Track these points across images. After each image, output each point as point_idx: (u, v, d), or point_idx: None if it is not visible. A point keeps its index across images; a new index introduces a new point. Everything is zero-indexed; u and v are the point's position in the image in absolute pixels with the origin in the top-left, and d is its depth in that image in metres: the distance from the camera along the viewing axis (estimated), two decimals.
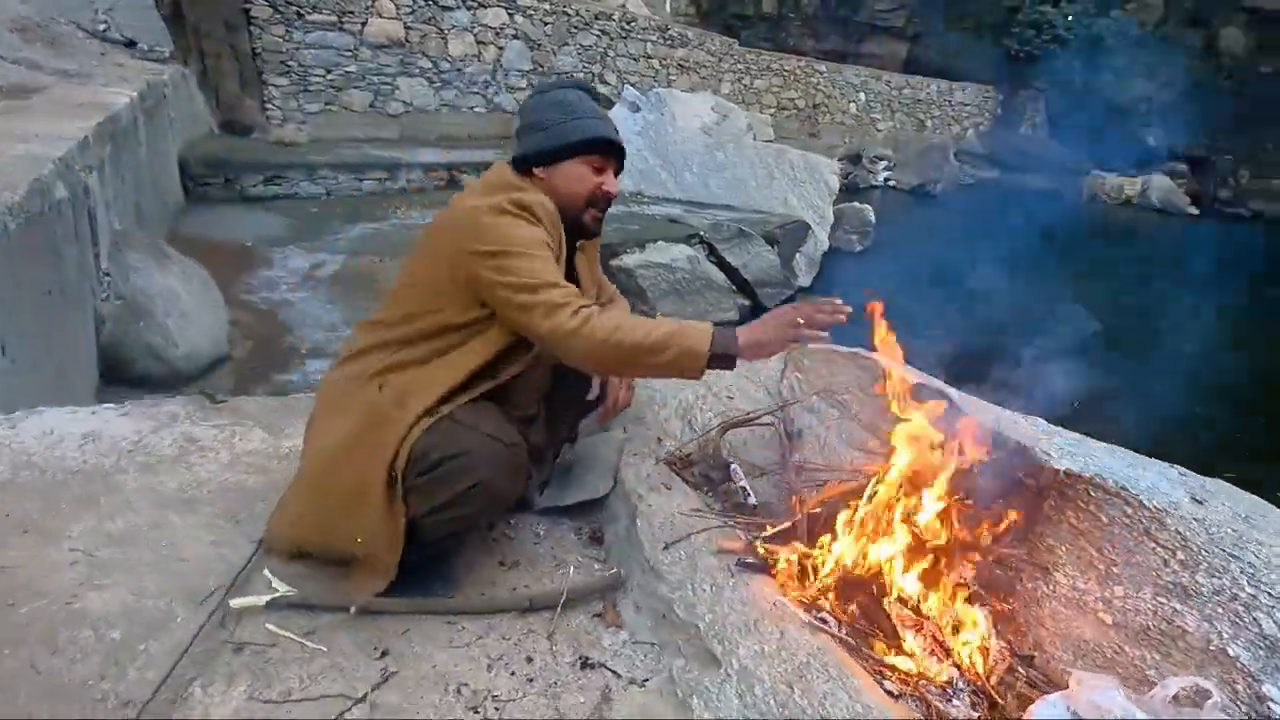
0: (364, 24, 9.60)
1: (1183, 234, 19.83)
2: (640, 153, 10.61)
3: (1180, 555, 1.50)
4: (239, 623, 1.53)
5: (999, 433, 1.74)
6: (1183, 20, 22.81)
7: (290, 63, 9.24)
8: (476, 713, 1.40)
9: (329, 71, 9.50)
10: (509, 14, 11.12)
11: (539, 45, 11.68)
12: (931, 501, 1.63)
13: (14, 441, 2.01)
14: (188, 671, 1.41)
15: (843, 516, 1.70)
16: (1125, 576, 1.55)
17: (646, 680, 1.52)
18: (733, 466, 2.01)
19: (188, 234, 6.44)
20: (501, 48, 11.18)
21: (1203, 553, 1.48)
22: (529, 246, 1.52)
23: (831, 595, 1.61)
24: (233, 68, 8.78)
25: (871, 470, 1.78)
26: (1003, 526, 1.66)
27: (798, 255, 9.11)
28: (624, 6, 14.62)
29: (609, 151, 1.71)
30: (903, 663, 1.49)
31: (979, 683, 1.49)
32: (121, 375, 3.96)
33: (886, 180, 19.27)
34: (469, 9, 10.57)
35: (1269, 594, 1.41)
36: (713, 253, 7.76)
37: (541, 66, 11.79)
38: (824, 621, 1.52)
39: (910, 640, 1.53)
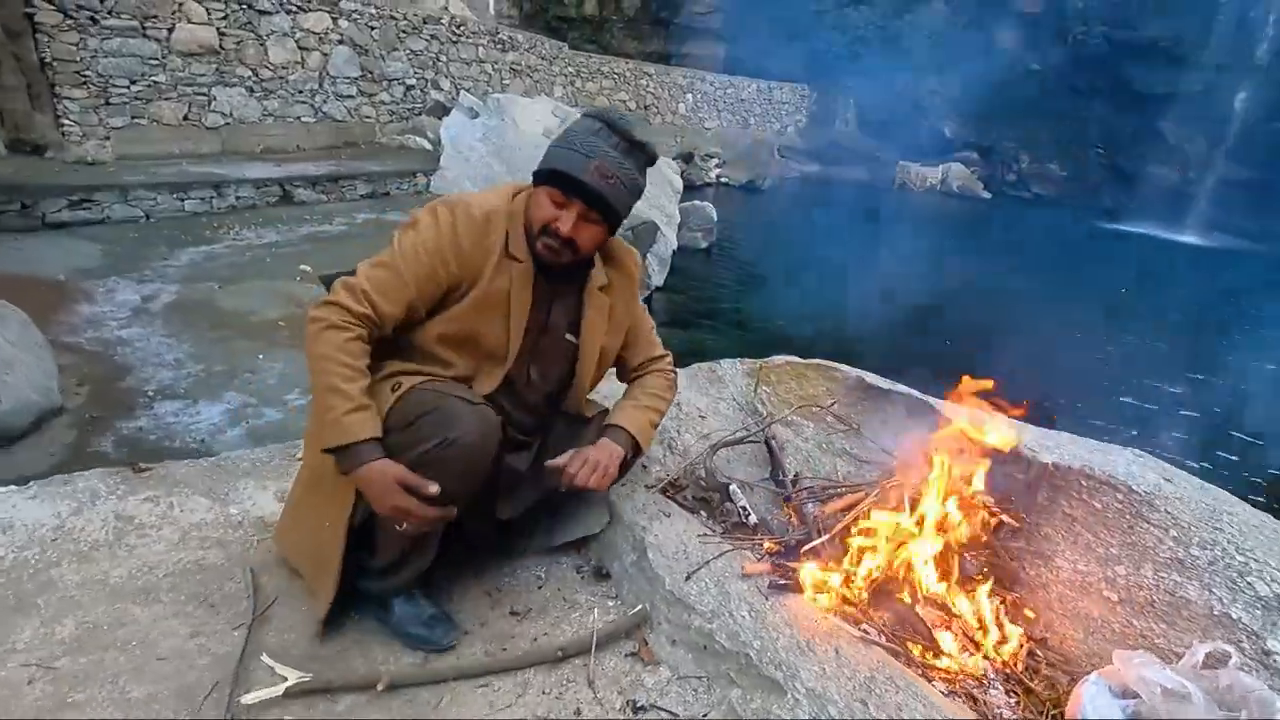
0: (171, 30, 8.83)
1: (974, 215, 22.18)
2: (484, 159, 10.46)
3: (1173, 533, 1.66)
4: None
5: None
6: (965, 23, 25.27)
7: (87, 73, 8.34)
8: None
9: (134, 82, 8.66)
10: (333, 19, 10.60)
11: (367, 51, 11.22)
12: (955, 504, 1.74)
13: None
14: None
15: (861, 525, 1.76)
16: (1125, 557, 1.69)
17: (706, 715, 1.49)
18: (732, 487, 2.04)
19: None
20: (326, 54, 10.64)
21: (1193, 528, 1.65)
22: (404, 253, 1.58)
23: (869, 607, 1.67)
24: (18, 80, 7.83)
25: (869, 480, 1.88)
26: (1004, 520, 1.80)
27: (649, 256, 9.33)
28: (446, 8, 14.33)
29: (569, 189, 1.61)
30: (944, 662, 1.58)
31: (1009, 670, 1.61)
32: None
33: (719, 177, 20.11)
34: (289, 13, 9.98)
35: (1255, 559, 1.58)
36: None
37: (371, 73, 11.34)
38: (866, 633, 1.57)
39: (947, 641, 1.63)
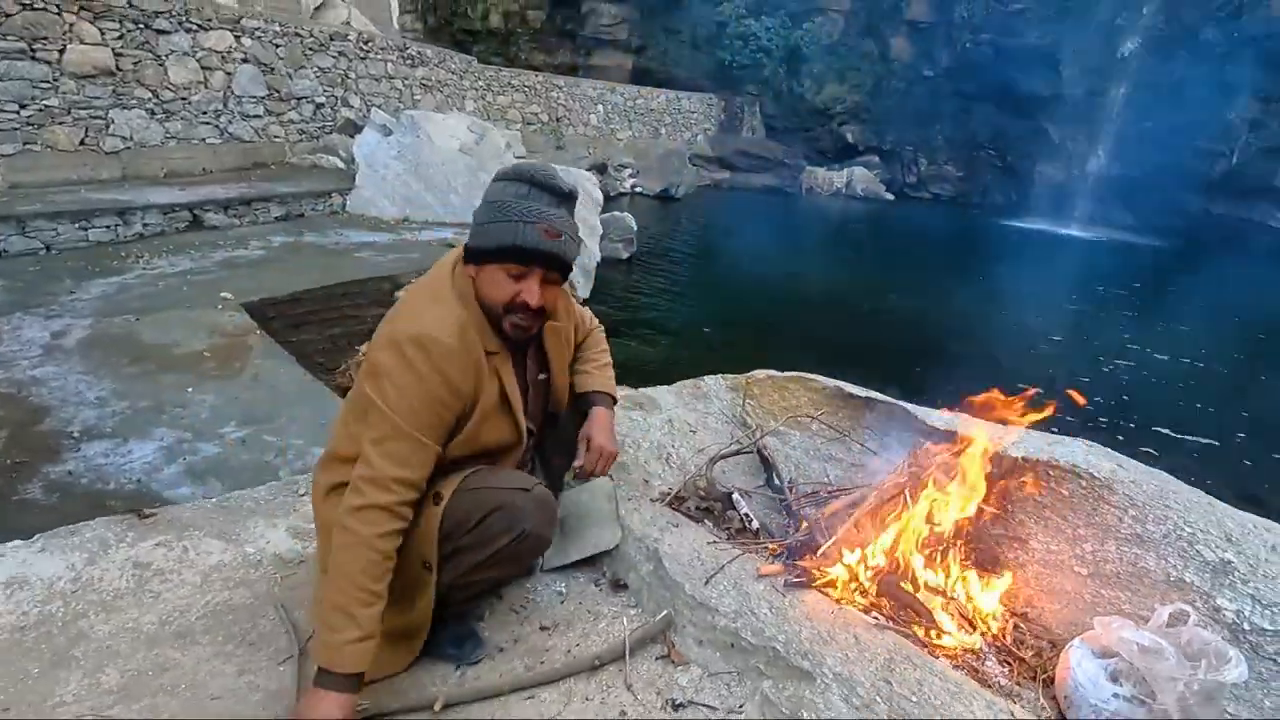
0: (62, 51, 8.42)
1: (878, 216, 23.31)
2: (401, 177, 10.38)
3: (1131, 512, 1.87)
4: None
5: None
6: (860, 31, 26.35)
7: None
8: None
9: (23, 106, 8.21)
10: (235, 36, 10.30)
11: (273, 69, 10.94)
12: (955, 498, 1.92)
13: None
14: None
15: (886, 518, 1.91)
16: (1090, 535, 1.90)
17: (742, 706, 1.59)
18: (734, 496, 2.17)
19: None
20: (230, 73, 10.32)
21: (1147, 507, 1.86)
22: (400, 414, 1.50)
23: (876, 595, 1.83)
24: None
25: (865, 482, 2.03)
26: (984, 508, 1.99)
27: (574, 269, 9.46)
28: (348, 23, 14.08)
29: (524, 259, 1.59)
30: (947, 640, 1.75)
31: (1000, 643, 1.81)
32: None
33: (633, 187, 20.40)
34: (189, 32, 9.64)
35: (1201, 530, 1.80)
36: None
37: (278, 92, 11.06)
38: (877, 620, 1.73)
39: (946, 621, 1.80)
